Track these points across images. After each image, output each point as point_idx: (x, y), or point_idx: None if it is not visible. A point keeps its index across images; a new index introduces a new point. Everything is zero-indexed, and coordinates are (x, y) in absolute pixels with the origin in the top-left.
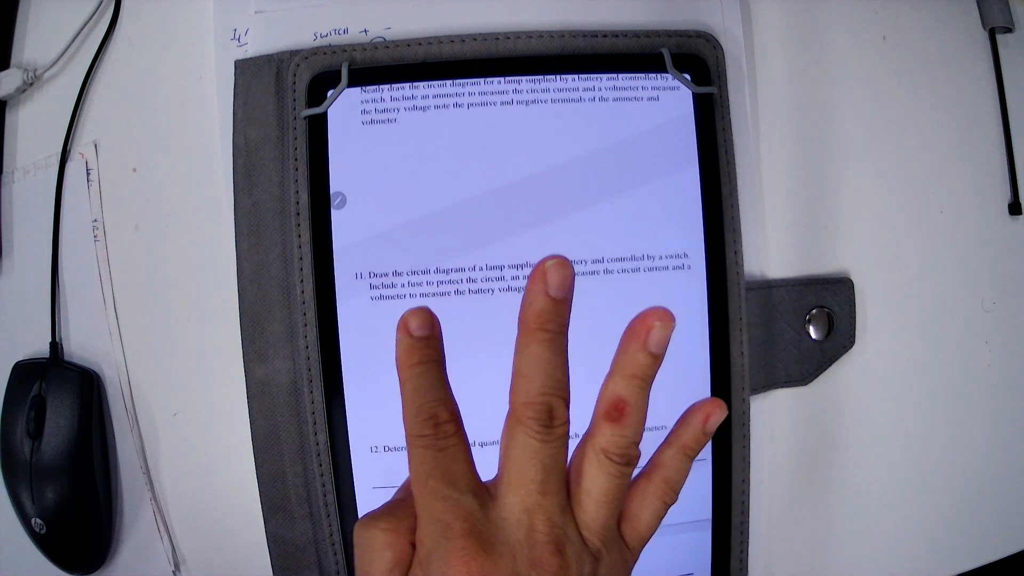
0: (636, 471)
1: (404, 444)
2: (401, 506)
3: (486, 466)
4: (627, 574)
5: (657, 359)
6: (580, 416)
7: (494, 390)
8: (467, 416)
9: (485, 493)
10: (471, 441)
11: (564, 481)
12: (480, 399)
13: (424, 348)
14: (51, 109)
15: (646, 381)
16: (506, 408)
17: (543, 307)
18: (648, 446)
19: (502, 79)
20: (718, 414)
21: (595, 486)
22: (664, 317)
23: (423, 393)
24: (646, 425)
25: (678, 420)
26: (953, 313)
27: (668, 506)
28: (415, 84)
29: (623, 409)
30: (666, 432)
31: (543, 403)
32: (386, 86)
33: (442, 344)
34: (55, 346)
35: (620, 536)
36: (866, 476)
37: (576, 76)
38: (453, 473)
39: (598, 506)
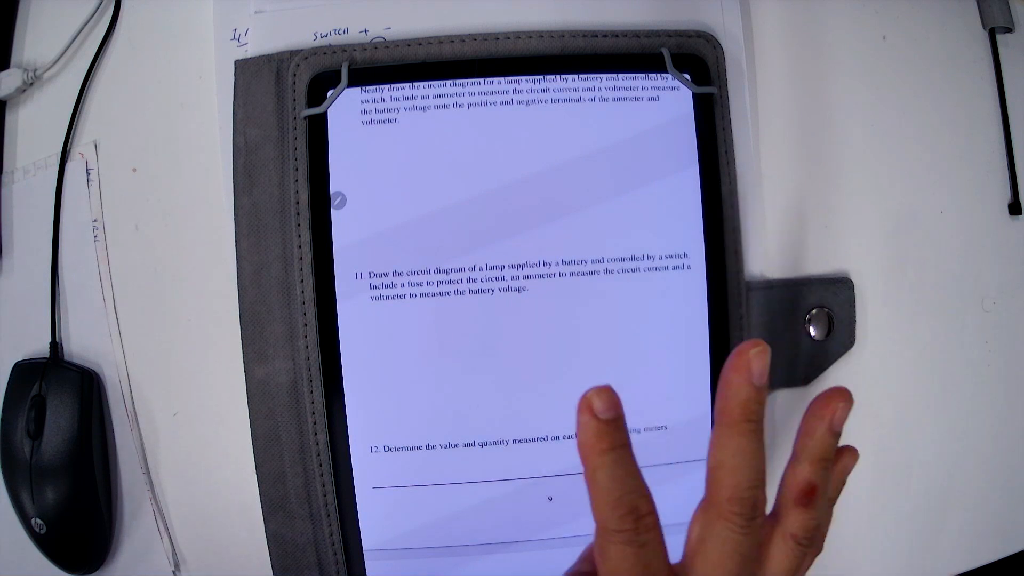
0: None
1: (404, 444)
2: None
3: (487, 465)
4: None
5: (838, 437)
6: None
7: (493, 390)
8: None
9: None
10: (475, 442)
11: (755, 571)
12: (479, 399)
13: (614, 432)
14: (51, 109)
15: (831, 463)
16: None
17: (748, 397)
18: (646, 443)
19: (502, 79)
20: (851, 463)
21: (781, 568)
22: (845, 396)
23: (620, 483)
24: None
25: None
26: (953, 313)
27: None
28: (415, 84)
29: (813, 494)
30: (665, 432)
31: (750, 498)
32: (386, 86)
33: (627, 428)
34: (55, 346)
35: None
36: (865, 476)
37: (576, 76)
38: (653, 569)
39: None
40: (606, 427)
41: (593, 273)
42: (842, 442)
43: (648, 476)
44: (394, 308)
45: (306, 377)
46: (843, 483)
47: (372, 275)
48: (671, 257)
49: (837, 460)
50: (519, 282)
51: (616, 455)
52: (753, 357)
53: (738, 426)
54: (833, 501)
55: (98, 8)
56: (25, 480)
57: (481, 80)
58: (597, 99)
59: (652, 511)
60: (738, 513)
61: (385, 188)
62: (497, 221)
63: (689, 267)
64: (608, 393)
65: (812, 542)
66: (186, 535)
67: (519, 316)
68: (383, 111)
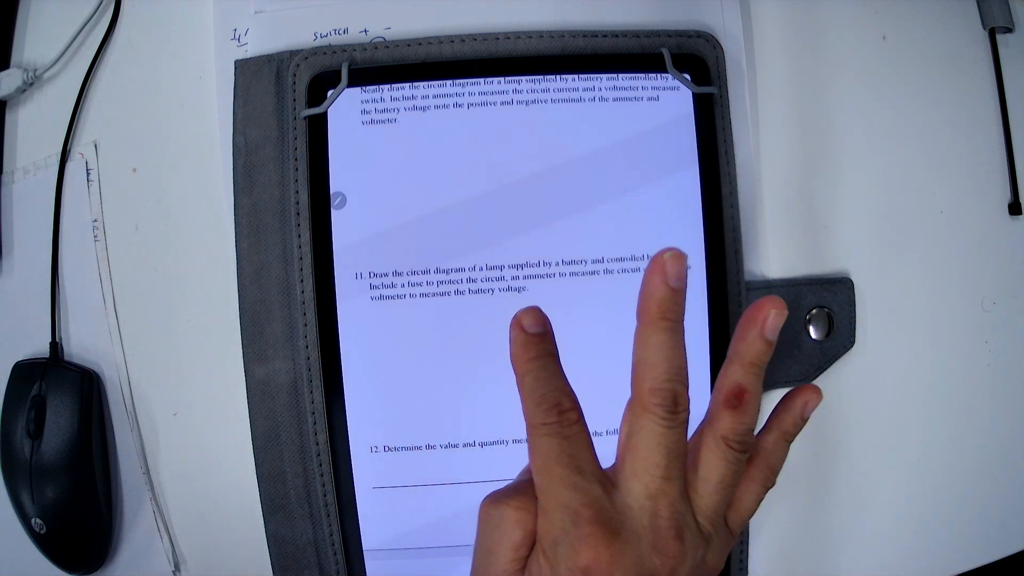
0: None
1: (404, 444)
2: (530, 487)
3: (487, 465)
4: (725, 556)
5: (772, 346)
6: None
7: (493, 390)
8: (468, 415)
9: (608, 480)
10: (475, 442)
11: (685, 468)
12: (479, 399)
13: (540, 343)
14: (51, 109)
15: (762, 368)
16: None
17: (664, 296)
18: None
19: (502, 79)
20: (816, 399)
21: (713, 473)
22: (778, 304)
23: (544, 383)
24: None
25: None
26: (953, 313)
27: (767, 490)
28: (415, 84)
29: (743, 396)
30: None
31: (669, 389)
32: (386, 86)
33: (555, 341)
34: (55, 346)
35: (724, 520)
36: (866, 476)
37: (576, 76)
38: (578, 460)
39: (714, 492)
40: (533, 339)
41: (593, 273)
42: (845, 438)
43: None
44: (394, 308)
45: (306, 377)
46: (803, 420)
47: (372, 275)
48: None
49: (798, 395)
50: (519, 282)
51: (541, 362)
52: (668, 260)
53: (656, 323)
54: (790, 437)
55: (98, 8)
56: (25, 480)
57: (481, 80)
58: (597, 99)
59: (575, 407)
60: (659, 404)
61: (385, 188)
62: (497, 221)
63: (689, 267)
64: (535, 312)
65: (744, 447)
66: (186, 535)
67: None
68: (383, 111)
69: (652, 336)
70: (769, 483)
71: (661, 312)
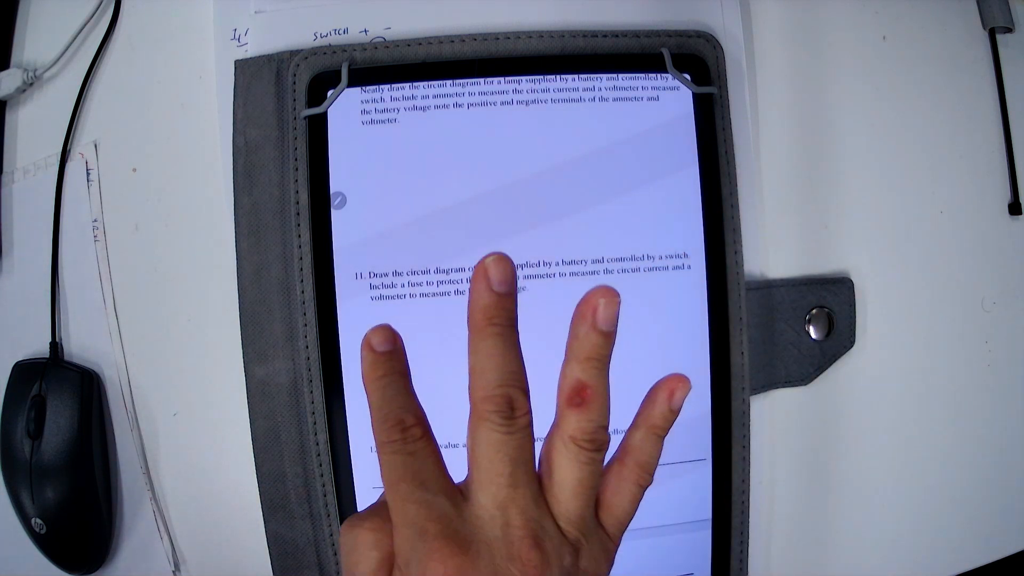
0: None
1: None
2: (385, 508)
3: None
4: (609, 562)
5: (609, 337)
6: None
7: None
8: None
9: (458, 494)
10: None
11: (534, 473)
12: None
13: (387, 361)
14: (51, 109)
15: (602, 362)
16: None
17: (489, 302)
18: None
19: (502, 79)
20: (682, 388)
21: (567, 476)
22: (608, 294)
23: (388, 401)
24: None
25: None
26: (953, 313)
27: (644, 489)
28: (415, 84)
29: (585, 393)
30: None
31: (502, 395)
32: (386, 86)
33: (406, 358)
34: (55, 346)
35: (599, 524)
36: (866, 476)
37: (576, 76)
38: (423, 475)
39: (572, 496)
40: (380, 357)
41: (593, 273)
42: (845, 438)
43: None
44: (394, 308)
45: (306, 377)
46: (673, 412)
47: (372, 275)
48: (671, 257)
49: (662, 386)
50: (519, 282)
51: (387, 380)
52: (490, 265)
53: (484, 330)
54: (661, 431)
55: (98, 8)
56: (25, 480)
57: (481, 80)
58: (597, 99)
59: (419, 424)
60: (494, 411)
61: (385, 188)
62: (497, 221)
63: (689, 267)
64: (385, 329)
65: (596, 445)
66: (186, 535)
67: (519, 316)
68: (383, 111)
69: (481, 343)
70: (643, 481)
71: (488, 318)
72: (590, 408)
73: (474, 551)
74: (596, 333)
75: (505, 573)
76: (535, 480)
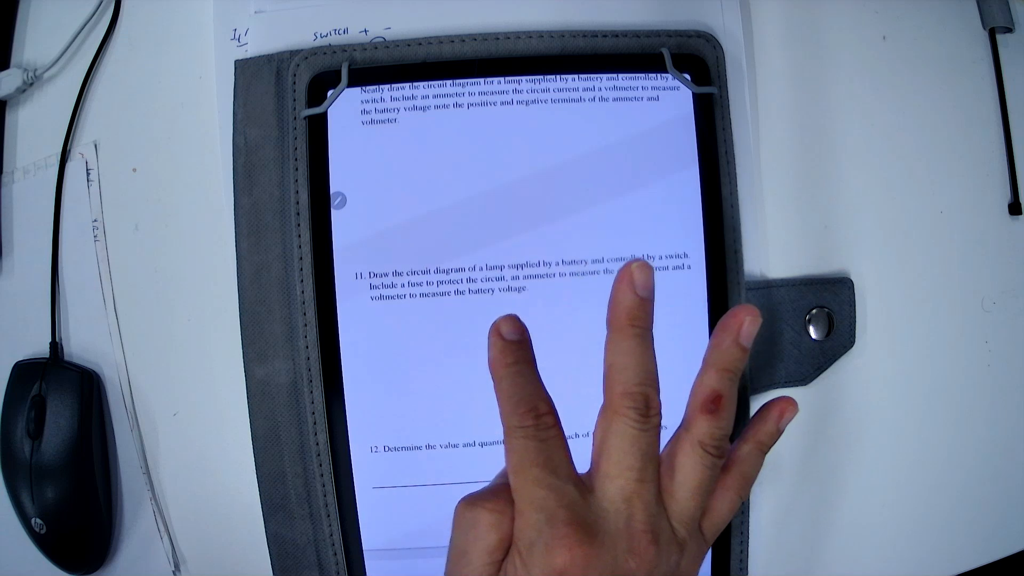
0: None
1: (404, 444)
2: (506, 490)
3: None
4: (700, 565)
5: (747, 352)
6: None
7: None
8: (469, 415)
9: (583, 484)
10: (475, 442)
11: (658, 471)
12: (479, 399)
13: (517, 350)
14: (51, 109)
15: (737, 374)
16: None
17: (632, 304)
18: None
19: (502, 79)
20: (791, 411)
21: (690, 478)
22: (753, 312)
23: (521, 388)
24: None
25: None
26: (953, 313)
27: (742, 500)
28: (415, 84)
29: (719, 402)
30: (665, 432)
31: (640, 392)
32: (386, 86)
33: (532, 348)
34: (55, 346)
35: (699, 528)
36: (866, 476)
37: (576, 76)
38: (554, 462)
39: (690, 497)
40: (510, 346)
41: (593, 273)
42: (845, 438)
43: None
44: (394, 308)
45: (306, 377)
46: (779, 432)
47: (372, 275)
48: (671, 257)
49: (774, 407)
50: (519, 282)
51: (518, 368)
52: (635, 270)
53: (625, 330)
54: (765, 448)
55: (98, 8)
56: (25, 480)
57: (481, 80)
58: (597, 99)
59: (551, 411)
60: (631, 407)
61: (385, 188)
62: (497, 221)
63: (689, 267)
64: (514, 319)
65: (720, 451)
66: (186, 535)
67: (517, 316)
68: (383, 111)
69: (622, 342)
70: (743, 493)
71: (630, 319)
72: (721, 416)
73: (599, 541)
74: (737, 347)
75: (623, 565)
76: (658, 478)
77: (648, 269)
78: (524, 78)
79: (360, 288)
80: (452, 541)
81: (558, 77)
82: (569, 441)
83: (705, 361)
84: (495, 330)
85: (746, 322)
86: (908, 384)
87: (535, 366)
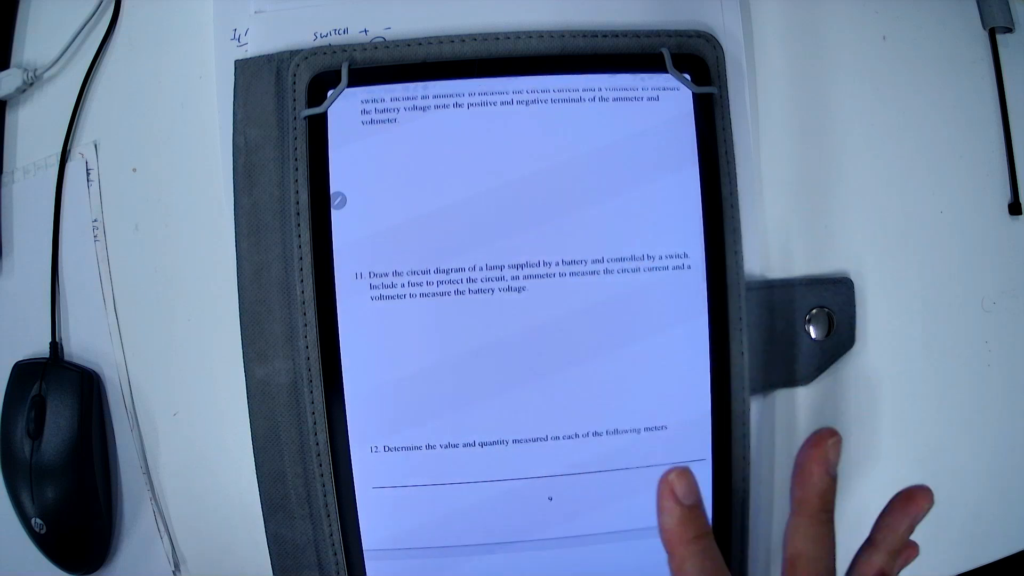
0: None
1: (404, 444)
2: None
3: (487, 465)
4: None
5: (908, 538)
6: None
7: (493, 390)
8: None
9: None
10: (475, 442)
11: None
12: (479, 399)
13: (699, 518)
14: (51, 109)
15: (898, 555)
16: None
17: (826, 488)
18: (646, 443)
19: (502, 79)
20: (927, 504)
21: None
22: (929, 498)
23: (706, 573)
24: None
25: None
26: (953, 313)
27: None
28: (415, 84)
29: None
30: (665, 432)
31: None
32: (386, 86)
33: (704, 509)
34: (55, 346)
35: None
36: (865, 477)
37: (576, 76)
38: None
39: None
40: (690, 513)
41: (593, 273)
42: (845, 438)
43: (649, 476)
44: (394, 308)
45: (306, 377)
46: (902, 567)
47: (372, 275)
48: (671, 257)
49: (904, 550)
50: (519, 282)
51: (703, 544)
52: (830, 448)
53: (817, 516)
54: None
55: (98, 8)
56: (25, 480)
57: (481, 80)
58: (597, 99)
59: None
60: None
61: (385, 188)
62: (497, 221)
63: (689, 267)
64: (688, 476)
65: None
66: (186, 535)
67: (519, 316)
68: (383, 111)
69: (812, 529)
70: None
71: (824, 505)
72: None
73: None
74: (910, 531)
75: None
76: None
77: (840, 443)
78: (524, 78)
79: (360, 288)
80: None
81: (558, 77)
82: (568, 441)
83: (877, 540)
84: (668, 492)
85: (922, 509)
86: (908, 384)
87: (714, 539)
